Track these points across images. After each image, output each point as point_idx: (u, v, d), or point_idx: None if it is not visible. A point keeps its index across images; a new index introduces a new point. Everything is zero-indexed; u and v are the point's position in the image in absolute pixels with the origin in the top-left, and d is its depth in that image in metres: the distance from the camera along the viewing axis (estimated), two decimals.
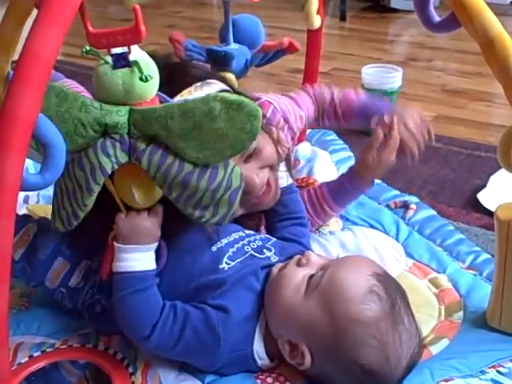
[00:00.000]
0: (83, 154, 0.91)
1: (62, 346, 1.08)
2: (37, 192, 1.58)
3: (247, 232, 1.14)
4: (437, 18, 0.99)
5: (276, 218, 1.21)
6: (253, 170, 1.12)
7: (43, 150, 0.81)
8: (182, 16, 3.67)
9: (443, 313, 1.20)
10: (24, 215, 1.24)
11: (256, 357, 1.00)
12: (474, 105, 2.35)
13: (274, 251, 1.09)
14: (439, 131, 2.09)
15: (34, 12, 0.85)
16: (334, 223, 1.47)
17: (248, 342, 0.99)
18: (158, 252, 1.02)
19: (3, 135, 0.72)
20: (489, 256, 1.33)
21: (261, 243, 1.11)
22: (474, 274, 1.29)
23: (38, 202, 1.58)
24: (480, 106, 2.32)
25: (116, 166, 0.91)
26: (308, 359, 0.95)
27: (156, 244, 1.01)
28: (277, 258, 1.08)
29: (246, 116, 0.88)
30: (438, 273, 1.31)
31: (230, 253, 1.06)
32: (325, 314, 0.94)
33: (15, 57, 0.92)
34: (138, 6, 0.83)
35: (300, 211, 1.24)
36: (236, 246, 1.08)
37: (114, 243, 0.99)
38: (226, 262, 1.04)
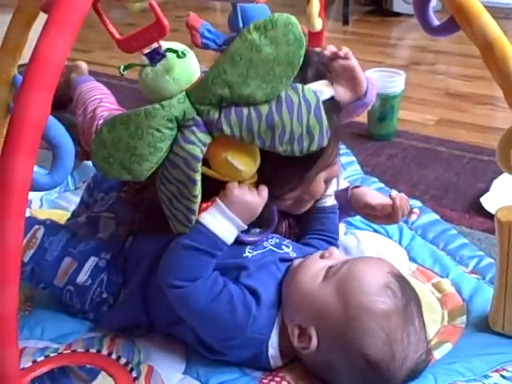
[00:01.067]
0: (171, 155, 0.94)
1: (65, 351, 1.07)
2: (40, 196, 1.58)
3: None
4: (436, 22, 0.99)
5: (308, 231, 1.22)
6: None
7: (52, 151, 0.84)
8: (184, 20, 3.67)
9: (446, 317, 1.20)
10: (28, 217, 1.24)
11: (270, 344, 1.01)
12: (477, 108, 2.35)
13: (291, 248, 1.12)
14: (442, 135, 2.11)
15: (41, 16, 0.86)
16: None
17: (269, 327, 1.01)
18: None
19: (14, 137, 0.73)
20: (492, 260, 1.32)
21: (278, 240, 1.13)
22: (478, 278, 1.29)
23: (41, 207, 1.58)
24: (483, 110, 2.32)
25: (204, 149, 0.94)
26: (314, 343, 0.96)
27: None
28: (295, 254, 1.10)
29: (283, 28, 0.89)
30: (441, 277, 1.31)
31: (251, 245, 1.08)
32: (339, 300, 0.96)
33: (21, 61, 0.93)
34: (153, 2, 0.84)
35: (335, 233, 1.24)
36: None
37: (217, 199, 0.99)
38: (249, 251, 1.07)
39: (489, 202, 1.61)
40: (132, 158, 0.94)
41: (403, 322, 0.94)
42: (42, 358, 1.05)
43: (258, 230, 1.10)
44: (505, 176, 1.06)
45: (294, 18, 0.91)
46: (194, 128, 0.94)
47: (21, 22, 1.01)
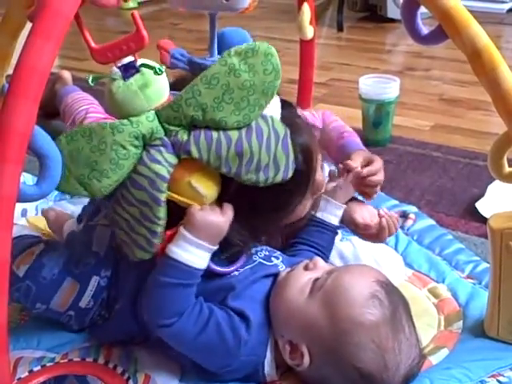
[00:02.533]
0: (134, 176, 0.91)
1: (62, 361, 1.07)
2: (35, 205, 1.58)
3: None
4: (424, 31, 0.99)
5: (305, 240, 1.21)
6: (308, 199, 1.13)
7: (39, 161, 0.82)
8: (179, 28, 3.68)
9: (443, 322, 1.20)
10: (32, 236, 1.22)
11: (266, 363, 1.00)
12: (472, 114, 2.35)
13: (281, 259, 1.11)
14: (437, 140, 2.11)
15: (28, 25, 0.85)
16: None
17: (263, 348, 1.00)
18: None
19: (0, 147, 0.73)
20: (488, 265, 1.32)
21: (268, 253, 1.12)
22: (474, 283, 1.29)
23: (36, 215, 1.58)
24: (478, 115, 2.33)
25: (170, 170, 0.92)
26: (307, 360, 0.96)
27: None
28: (284, 267, 1.09)
29: (263, 57, 0.90)
30: (437, 282, 1.31)
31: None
32: (326, 314, 0.95)
33: (9, 70, 0.93)
34: (136, 12, 0.83)
35: (329, 251, 1.24)
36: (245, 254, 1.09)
37: (181, 229, 0.96)
38: (236, 270, 1.05)
39: (484, 206, 1.61)
40: (91, 173, 0.90)
41: (392, 330, 0.94)
42: (39, 367, 1.05)
43: (227, 256, 1.06)
44: (499, 181, 1.07)
45: (273, 49, 0.91)
46: (162, 148, 0.92)
47: (8, 31, 1.01)
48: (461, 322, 1.18)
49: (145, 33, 0.83)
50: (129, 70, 0.89)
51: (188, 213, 0.96)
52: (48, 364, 1.06)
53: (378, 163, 1.30)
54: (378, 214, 1.23)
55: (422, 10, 1.00)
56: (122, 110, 0.91)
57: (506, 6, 3.80)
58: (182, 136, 0.92)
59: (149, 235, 0.93)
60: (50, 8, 0.74)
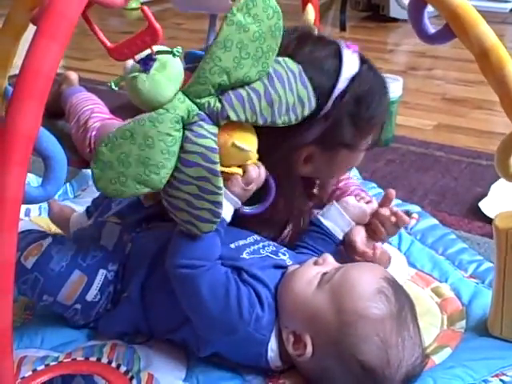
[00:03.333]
0: (183, 155, 0.94)
1: (65, 360, 1.07)
2: (38, 205, 1.58)
3: (261, 237, 1.16)
4: (431, 30, 0.99)
5: (307, 245, 1.21)
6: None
7: (44, 162, 0.82)
8: (182, 28, 3.68)
9: (446, 322, 1.20)
10: (39, 231, 1.22)
11: (269, 347, 1.01)
12: (475, 113, 2.35)
13: (288, 256, 1.12)
14: (440, 140, 2.11)
15: (31, 26, 0.86)
16: None
17: (269, 329, 1.01)
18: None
19: (5, 149, 0.73)
20: (491, 264, 1.32)
21: (275, 248, 1.13)
22: (477, 283, 1.29)
23: (40, 215, 1.58)
24: (481, 115, 2.33)
25: (216, 140, 0.95)
26: (309, 350, 0.97)
27: None
28: (291, 262, 1.10)
29: (262, 4, 0.92)
30: (441, 282, 1.31)
31: (247, 250, 1.09)
32: (333, 306, 0.96)
33: (12, 71, 0.93)
34: (145, 7, 0.84)
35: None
36: (252, 247, 1.10)
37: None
38: (247, 254, 1.07)
39: (487, 206, 1.61)
40: (147, 169, 0.92)
41: (397, 326, 0.94)
42: (42, 366, 1.05)
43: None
44: (503, 180, 1.06)
45: None
46: (201, 122, 0.94)
47: (10, 33, 1.01)
48: (464, 322, 1.19)
49: (158, 26, 0.84)
50: (148, 63, 0.90)
51: (246, 170, 1.00)
52: (52, 363, 1.06)
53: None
54: (373, 246, 1.20)
55: (428, 8, 1.01)
56: (153, 101, 0.92)
57: (509, 6, 3.81)
58: (215, 105, 0.94)
59: (212, 207, 0.95)
60: (55, 10, 0.73)
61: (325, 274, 1.01)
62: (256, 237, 1.14)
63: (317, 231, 1.20)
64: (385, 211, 1.20)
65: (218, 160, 0.95)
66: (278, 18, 0.94)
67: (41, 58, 0.73)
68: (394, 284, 0.99)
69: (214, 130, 0.95)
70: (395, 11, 3.57)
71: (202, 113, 0.94)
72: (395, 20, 3.57)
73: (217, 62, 0.92)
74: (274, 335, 1.01)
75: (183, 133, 0.94)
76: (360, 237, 1.22)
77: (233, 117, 0.95)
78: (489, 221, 1.54)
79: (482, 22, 0.92)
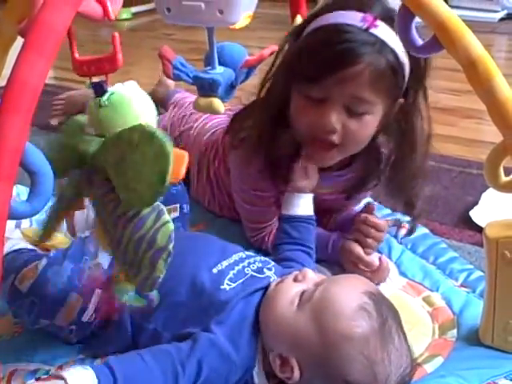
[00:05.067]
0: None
1: None
2: None
3: (247, 253, 1.15)
4: (419, 41, 1.00)
5: (286, 239, 1.23)
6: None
7: (31, 177, 0.80)
8: (173, 39, 3.68)
9: (437, 331, 1.20)
10: (31, 250, 1.20)
11: (254, 374, 1.00)
12: (465, 122, 2.36)
13: (274, 270, 1.11)
14: (430, 149, 2.11)
15: (20, 40, 0.85)
16: None
17: (252, 361, 1.00)
18: None
19: None
20: (482, 273, 1.33)
21: (261, 265, 1.12)
22: (467, 292, 1.29)
23: (30, 226, 1.57)
24: (470, 124, 2.34)
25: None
26: (297, 373, 0.96)
27: None
28: (276, 278, 1.09)
29: (157, 149, 0.81)
30: (431, 291, 1.31)
31: (230, 275, 1.07)
32: (315, 327, 0.95)
33: (0, 83, 0.93)
34: (117, 34, 0.83)
35: (311, 242, 1.26)
36: (236, 268, 1.09)
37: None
38: (227, 284, 1.05)
39: (478, 215, 1.61)
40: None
41: (382, 342, 0.93)
42: (33, 380, 1.05)
43: None
44: (493, 189, 1.07)
45: (169, 151, 0.81)
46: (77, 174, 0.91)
47: None
48: (455, 331, 1.19)
49: (120, 57, 0.84)
50: (97, 89, 0.88)
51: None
52: (43, 376, 1.06)
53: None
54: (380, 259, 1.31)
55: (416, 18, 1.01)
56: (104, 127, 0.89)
57: (498, 15, 3.82)
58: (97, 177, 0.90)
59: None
60: (43, 23, 0.73)
61: (304, 292, 1.00)
62: (242, 254, 1.13)
63: (286, 223, 1.25)
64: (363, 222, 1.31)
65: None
66: (161, 182, 0.81)
67: (28, 71, 0.72)
68: (375, 297, 0.97)
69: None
70: None
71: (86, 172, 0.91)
72: None
73: (108, 146, 0.86)
74: (258, 361, 1.00)
75: None
76: (361, 250, 1.31)
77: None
78: (480, 230, 1.54)
79: (469, 33, 0.92)
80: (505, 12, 3.85)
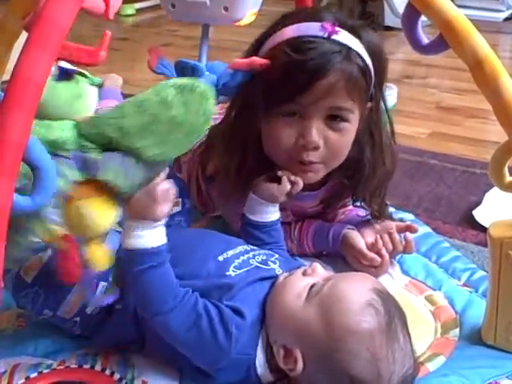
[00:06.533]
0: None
1: (59, 367, 1.07)
2: None
3: (251, 247, 1.16)
4: (425, 40, 0.99)
5: (261, 244, 1.22)
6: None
7: (33, 173, 0.80)
8: (177, 35, 3.68)
9: (439, 330, 1.20)
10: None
11: (257, 363, 1.00)
12: (469, 122, 2.36)
13: (278, 264, 1.11)
14: (434, 148, 2.11)
15: (24, 34, 0.85)
16: None
17: (253, 347, 1.00)
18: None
19: None
20: (485, 273, 1.33)
21: (265, 257, 1.12)
22: (470, 291, 1.29)
23: None
24: (475, 123, 2.34)
25: (68, 186, 0.86)
26: (300, 365, 0.96)
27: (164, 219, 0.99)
28: (281, 271, 1.09)
29: (199, 98, 0.86)
30: (434, 290, 1.31)
31: (235, 263, 1.08)
32: (321, 321, 0.95)
33: (5, 77, 0.93)
34: (109, 33, 0.82)
35: (281, 243, 1.26)
36: (242, 257, 1.10)
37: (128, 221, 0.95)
38: (233, 270, 1.06)
39: (481, 214, 1.61)
40: None
41: (387, 339, 0.93)
42: (36, 374, 1.05)
43: None
44: (496, 189, 1.07)
45: (211, 93, 0.87)
46: (67, 161, 0.86)
47: (3, 40, 1.01)
48: (457, 330, 1.19)
49: (102, 54, 0.82)
50: (63, 75, 0.87)
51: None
52: (45, 371, 1.06)
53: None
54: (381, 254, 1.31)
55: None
56: (45, 110, 0.86)
57: (503, 15, 3.82)
58: (95, 155, 0.87)
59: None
60: (47, 18, 0.73)
61: (313, 285, 1.00)
62: (246, 247, 1.14)
63: (262, 228, 1.23)
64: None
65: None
66: (205, 122, 0.88)
67: (31, 66, 0.72)
68: (383, 295, 0.98)
69: (73, 176, 0.86)
70: (390, 20, 3.58)
71: (78, 153, 0.86)
72: (390, 28, 3.58)
73: (121, 116, 0.86)
74: (260, 350, 1.00)
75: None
76: (364, 244, 1.31)
77: (100, 176, 0.86)
78: (483, 229, 1.55)
79: (476, 33, 0.92)
80: (510, 12, 3.85)
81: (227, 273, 1.05)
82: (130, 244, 0.97)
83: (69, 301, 1.07)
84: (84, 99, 0.88)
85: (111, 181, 0.87)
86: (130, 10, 4.22)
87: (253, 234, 1.22)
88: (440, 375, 1.05)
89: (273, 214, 1.24)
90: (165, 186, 0.97)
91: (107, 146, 0.88)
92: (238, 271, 1.06)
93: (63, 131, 0.86)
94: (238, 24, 1.10)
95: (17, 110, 0.72)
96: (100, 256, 0.94)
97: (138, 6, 4.31)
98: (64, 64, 0.86)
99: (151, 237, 0.97)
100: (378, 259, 1.31)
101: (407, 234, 1.36)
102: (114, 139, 0.87)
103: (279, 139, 1.20)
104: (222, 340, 0.97)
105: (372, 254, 1.31)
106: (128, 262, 0.98)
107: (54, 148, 0.85)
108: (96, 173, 0.87)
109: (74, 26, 0.78)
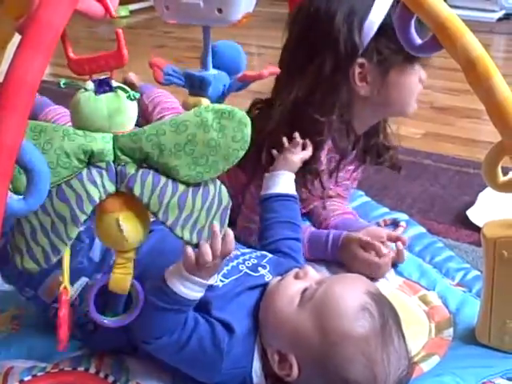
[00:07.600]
0: (64, 186, 0.86)
1: (52, 370, 1.07)
2: None
3: (243, 250, 1.15)
4: (418, 41, 1.00)
5: (275, 219, 1.23)
6: None
7: (27, 175, 0.79)
8: (171, 36, 3.68)
9: (433, 330, 1.20)
10: None
11: (253, 374, 1.00)
12: (463, 122, 2.36)
13: (268, 268, 1.10)
14: (428, 148, 2.12)
15: (16, 36, 0.85)
16: None
17: (248, 359, 0.99)
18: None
19: None
20: (478, 273, 1.33)
21: (256, 261, 1.11)
22: (464, 291, 1.30)
23: None
24: (468, 123, 2.34)
25: (103, 196, 0.87)
26: (295, 370, 0.95)
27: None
28: (271, 277, 1.08)
29: (237, 123, 0.87)
30: (428, 290, 1.31)
31: (224, 271, 1.06)
32: (316, 326, 0.95)
33: None
34: (120, 31, 0.83)
35: (300, 221, 1.27)
36: (231, 264, 1.09)
37: (181, 265, 0.93)
38: (220, 280, 1.05)
39: (475, 214, 1.62)
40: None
41: (382, 342, 0.93)
42: (30, 377, 1.05)
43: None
44: (490, 189, 1.08)
45: (248, 119, 0.88)
46: (104, 172, 0.87)
47: None
48: (451, 329, 1.19)
49: (125, 52, 0.83)
50: (102, 86, 0.86)
51: (185, 254, 0.93)
52: (39, 373, 1.06)
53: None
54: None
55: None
56: (83, 122, 0.87)
57: (496, 15, 3.83)
58: (130, 169, 0.88)
59: (50, 250, 0.88)
60: (40, 20, 0.73)
61: (305, 290, 0.99)
62: (236, 251, 1.12)
63: (271, 202, 1.25)
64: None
65: (87, 212, 0.86)
66: (242, 147, 0.88)
67: (25, 68, 0.72)
68: (376, 297, 0.97)
69: (110, 188, 0.87)
70: None
71: (113, 165, 0.87)
72: None
73: (159, 133, 0.87)
74: (257, 359, 1.00)
75: (83, 166, 0.87)
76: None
77: (136, 191, 0.87)
78: (476, 229, 1.55)
79: (469, 33, 0.92)
80: (503, 12, 3.86)
81: (215, 284, 1.02)
82: (175, 286, 0.93)
83: (48, 282, 1.08)
84: (124, 113, 0.87)
85: (144, 199, 0.88)
86: (123, 11, 4.21)
87: (269, 207, 1.24)
88: (434, 375, 1.05)
89: (289, 185, 1.26)
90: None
91: (143, 162, 0.89)
92: (226, 280, 1.05)
93: (104, 143, 0.87)
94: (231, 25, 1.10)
95: (10, 112, 0.71)
96: (124, 282, 0.94)
97: (131, 7, 4.31)
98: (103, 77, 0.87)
99: (197, 292, 0.95)
100: (385, 249, 1.33)
101: (399, 243, 1.37)
102: (151, 155, 0.87)
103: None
104: (212, 358, 0.97)
105: (379, 244, 1.33)
106: (158, 293, 0.94)
107: (94, 159, 0.87)
108: (131, 187, 0.88)
109: (68, 28, 0.79)
